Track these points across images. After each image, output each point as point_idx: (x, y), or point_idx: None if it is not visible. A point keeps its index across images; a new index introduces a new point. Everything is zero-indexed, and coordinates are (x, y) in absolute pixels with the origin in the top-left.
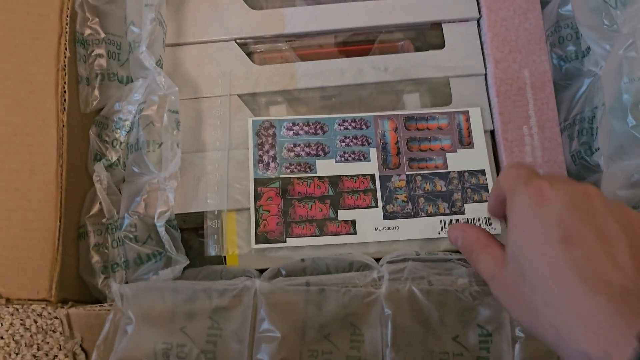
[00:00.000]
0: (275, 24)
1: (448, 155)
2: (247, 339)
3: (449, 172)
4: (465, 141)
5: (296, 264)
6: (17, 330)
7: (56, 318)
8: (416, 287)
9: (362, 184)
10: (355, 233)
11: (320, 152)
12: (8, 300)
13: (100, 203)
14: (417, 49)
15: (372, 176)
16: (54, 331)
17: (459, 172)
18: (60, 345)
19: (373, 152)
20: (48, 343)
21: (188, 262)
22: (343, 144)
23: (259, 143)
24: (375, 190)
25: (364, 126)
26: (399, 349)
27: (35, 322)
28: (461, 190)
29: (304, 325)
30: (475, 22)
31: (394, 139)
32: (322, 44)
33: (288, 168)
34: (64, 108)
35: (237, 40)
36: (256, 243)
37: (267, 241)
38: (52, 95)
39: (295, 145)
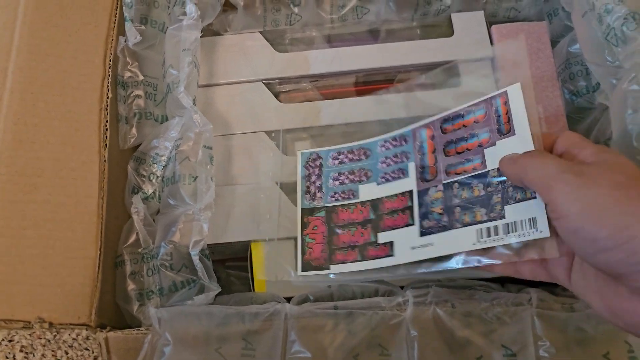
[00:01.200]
0: (300, 65)
1: (487, 151)
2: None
3: (488, 171)
4: (505, 129)
5: (323, 290)
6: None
7: (94, 340)
8: (440, 309)
9: (401, 203)
10: (392, 255)
11: (363, 178)
12: (51, 324)
13: (137, 233)
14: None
15: (410, 192)
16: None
17: (499, 170)
18: None
19: (412, 167)
20: None
21: (220, 289)
22: (384, 165)
23: (307, 175)
24: (412, 207)
25: (403, 142)
26: None
27: (71, 347)
28: (501, 190)
29: (333, 347)
30: (489, 60)
31: (431, 148)
32: (344, 83)
33: (333, 197)
34: (106, 145)
35: (264, 81)
36: (302, 270)
37: (312, 268)
38: (95, 133)
39: (340, 174)
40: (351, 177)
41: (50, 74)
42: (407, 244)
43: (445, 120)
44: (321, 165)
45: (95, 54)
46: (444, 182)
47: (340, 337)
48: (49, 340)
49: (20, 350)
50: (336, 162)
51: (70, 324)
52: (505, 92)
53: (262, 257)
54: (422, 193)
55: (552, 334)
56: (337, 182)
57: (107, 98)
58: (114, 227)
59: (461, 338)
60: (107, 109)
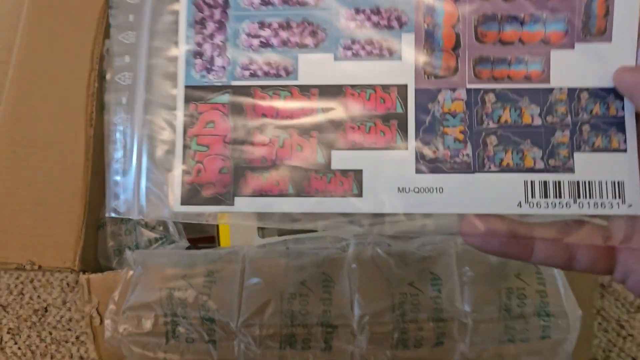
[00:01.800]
0: None
1: (554, 54)
2: (237, 286)
3: (552, 89)
4: (597, 26)
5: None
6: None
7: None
8: (378, 248)
9: (382, 104)
10: (360, 195)
11: (309, 40)
12: (40, 267)
13: None
14: None
15: (402, 89)
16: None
17: (571, 91)
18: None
19: (408, 42)
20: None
21: (188, 244)
22: (352, 24)
23: (199, 20)
24: (405, 115)
25: None
26: (364, 293)
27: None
28: (571, 125)
29: (284, 277)
30: None
31: (452, 17)
32: None
33: (247, 69)
34: (91, 124)
35: None
36: (182, 204)
37: (202, 201)
38: (83, 115)
39: (263, 25)
40: (284, 34)
41: (45, 67)
42: (390, 182)
43: None
44: (227, 2)
45: (84, 52)
46: (469, 86)
47: (291, 270)
48: (40, 282)
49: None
50: (256, 1)
51: (57, 267)
52: None
53: (227, 228)
54: (425, 95)
55: (472, 264)
56: (256, 41)
57: (94, 87)
58: (97, 194)
59: (395, 268)
60: (93, 96)
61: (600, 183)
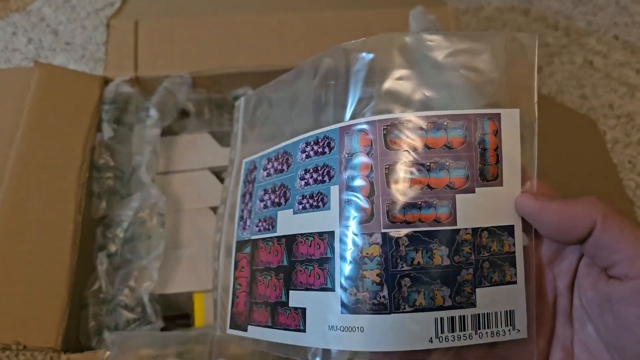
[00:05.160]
0: None
1: (459, 198)
2: None
3: (459, 229)
4: (491, 173)
5: None
6: None
7: None
8: None
9: (318, 250)
10: (304, 330)
11: (282, 199)
12: (25, 347)
13: (100, 281)
14: None
15: (330, 236)
16: None
17: (475, 231)
18: None
19: (334, 193)
20: None
21: (164, 325)
22: (303, 183)
23: (244, 193)
24: (332, 260)
25: (326, 148)
26: None
27: None
28: (474, 263)
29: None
30: None
31: (367, 168)
32: None
33: (257, 226)
34: (80, 211)
35: (210, 169)
36: (230, 327)
37: (236, 326)
38: (73, 203)
39: (265, 192)
40: (272, 197)
41: (41, 159)
42: (324, 320)
43: (394, 126)
44: (255, 178)
45: (76, 144)
46: (384, 230)
47: (257, 355)
48: (25, 356)
49: None
50: (265, 173)
51: (41, 347)
52: (499, 116)
53: (202, 308)
54: (347, 241)
55: None
56: (262, 205)
57: (85, 177)
58: (82, 277)
59: None
60: (83, 185)
61: (496, 314)
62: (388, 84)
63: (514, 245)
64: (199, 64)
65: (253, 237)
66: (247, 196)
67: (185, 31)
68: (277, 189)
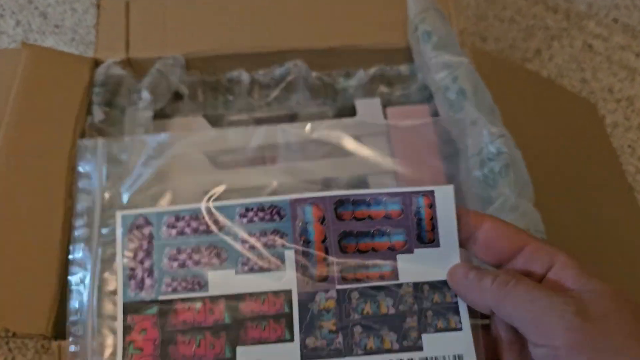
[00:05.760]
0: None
1: (400, 258)
2: None
3: (401, 284)
4: (428, 237)
5: None
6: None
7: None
8: None
9: (273, 307)
10: None
11: (215, 260)
12: (14, 334)
13: None
14: None
15: (288, 294)
16: None
17: (416, 285)
18: None
19: (289, 257)
20: None
21: None
22: (247, 246)
23: (132, 249)
24: (291, 315)
25: (276, 216)
26: None
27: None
28: (418, 312)
29: None
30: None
31: (320, 236)
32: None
33: (170, 285)
34: (70, 195)
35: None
36: None
37: None
38: (62, 186)
39: (180, 251)
40: (196, 257)
41: (29, 143)
42: None
43: (343, 202)
44: (151, 235)
45: (66, 127)
46: (338, 287)
47: None
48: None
49: None
50: (173, 231)
51: (30, 334)
52: (432, 192)
53: None
54: (305, 297)
55: None
56: (175, 264)
57: (75, 161)
58: None
59: None
60: (73, 169)
61: (444, 357)
62: None
63: (455, 296)
64: (192, 45)
65: (163, 298)
66: (140, 254)
67: (178, 11)
68: (203, 249)
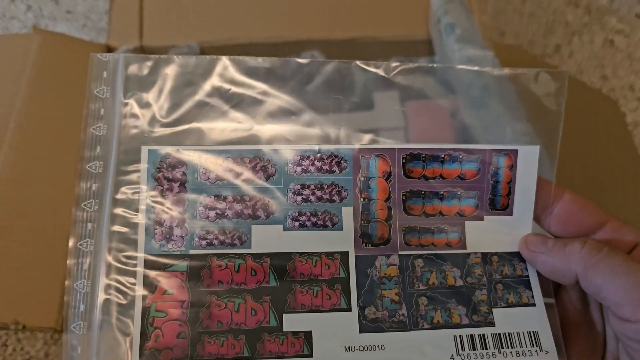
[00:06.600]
0: None
1: (468, 225)
2: None
3: (469, 253)
4: (501, 203)
5: None
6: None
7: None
8: None
9: (327, 270)
10: (310, 355)
11: (260, 212)
12: (24, 327)
13: None
14: None
15: (344, 256)
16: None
17: (484, 255)
18: None
19: (347, 215)
20: None
21: None
22: (299, 198)
23: (159, 191)
24: (347, 280)
25: (335, 167)
26: None
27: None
28: (487, 285)
29: None
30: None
31: (384, 193)
32: None
33: (204, 238)
34: None
35: None
36: None
37: None
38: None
39: (218, 199)
40: (238, 207)
41: (41, 130)
42: (337, 341)
43: (415, 157)
44: (184, 177)
45: (78, 114)
46: (401, 252)
47: None
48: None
49: None
50: (212, 175)
51: (40, 327)
52: (516, 152)
53: None
54: (364, 262)
55: None
56: (212, 213)
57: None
58: None
59: None
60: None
61: (518, 334)
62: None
63: (526, 269)
64: (207, 33)
65: (195, 252)
66: (170, 198)
67: None
68: (247, 199)
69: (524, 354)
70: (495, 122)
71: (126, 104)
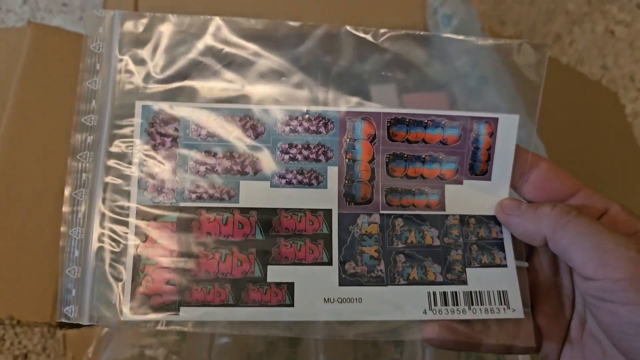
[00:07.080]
0: None
1: (448, 188)
2: (206, 345)
3: (447, 215)
4: (480, 169)
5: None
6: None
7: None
8: None
9: (311, 226)
10: (292, 305)
11: (249, 168)
12: (19, 322)
13: None
14: None
15: (327, 213)
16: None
17: (462, 217)
18: None
19: (332, 174)
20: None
21: None
22: (287, 157)
23: (152, 145)
24: (330, 236)
25: (322, 128)
26: (329, 353)
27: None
28: (463, 245)
29: (253, 336)
30: None
31: (368, 154)
32: None
33: (194, 192)
34: None
35: None
36: (132, 313)
37: (150, 310)
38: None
39: (208, 154)
40: (227, 163)
41: (34, 123)
42: (317, 293)
43: (399, 121)
44: (176, 132)
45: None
46: (382, 212)
47: None
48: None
49: None
50: (204, 132)
51: (35, 322)
52: (496, 120)
53: None
54: (346, 219)
55: None
56: (202, 168)
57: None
58: None
59: None
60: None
61: (488, 292)
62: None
63: (501, 232)
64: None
65: (185, 205)
66: (162, 152)
67: None
68: (236, 155)
69: (492, 311)
70: (478, 91)
71: (121, 60)
